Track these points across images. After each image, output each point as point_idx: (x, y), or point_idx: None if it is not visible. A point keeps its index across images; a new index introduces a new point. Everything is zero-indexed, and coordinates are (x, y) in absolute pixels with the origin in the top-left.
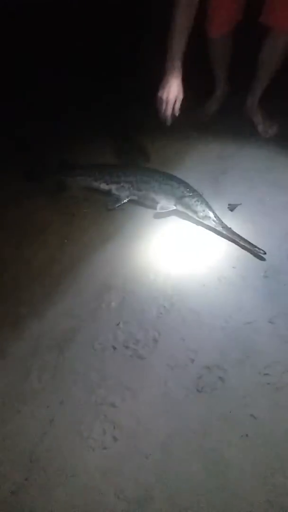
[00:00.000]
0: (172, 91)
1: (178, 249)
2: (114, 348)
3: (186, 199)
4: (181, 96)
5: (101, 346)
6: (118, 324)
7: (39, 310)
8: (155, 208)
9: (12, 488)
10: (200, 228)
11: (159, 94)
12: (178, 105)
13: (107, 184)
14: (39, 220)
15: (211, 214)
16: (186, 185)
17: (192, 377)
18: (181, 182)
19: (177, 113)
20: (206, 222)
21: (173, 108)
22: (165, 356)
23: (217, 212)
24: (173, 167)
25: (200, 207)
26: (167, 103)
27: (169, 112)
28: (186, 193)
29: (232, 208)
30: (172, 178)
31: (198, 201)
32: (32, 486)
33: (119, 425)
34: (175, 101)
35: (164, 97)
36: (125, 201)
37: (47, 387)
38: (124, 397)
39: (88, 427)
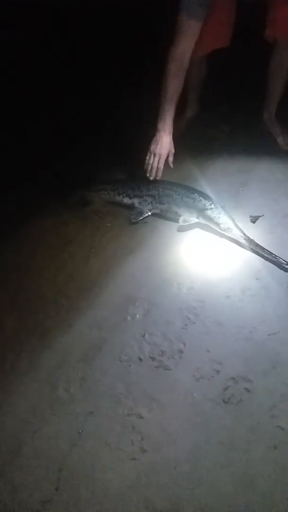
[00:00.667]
0: (165, 147)
1: (201, 261)
2: (140, 359)
3: (208, 212)
4: (173, 151)
5: (127, 357)
6: (143, 336)
7: (65, 323)
8: (178, 221)
9: (42, 498)
10: (222, 240)
11: (152, 148)
12: (171, 159)
13: (130, 198)
14: (63, 234)
15: (233, 226)
16: (208, 198)
17: (218, 389)
18: (202, 194)
19: (171, 165)
20: (228, 234)
21: (165, 162)
22: (190, 367)
23: (239, 224)
24: (194, 181)
25: (222, 219)
26: (159, 157)
27: (159, 165)
28: (208, 205)
29: (254, 219)
30: (194, 191)
31: (220, 213)
32: (63, 497)
33: (147, 436)
34: (168, 155)
35: (157, 151)
36: (147, 214)
37: (75, 398)
38: (151, 408)
39: (116, 438)
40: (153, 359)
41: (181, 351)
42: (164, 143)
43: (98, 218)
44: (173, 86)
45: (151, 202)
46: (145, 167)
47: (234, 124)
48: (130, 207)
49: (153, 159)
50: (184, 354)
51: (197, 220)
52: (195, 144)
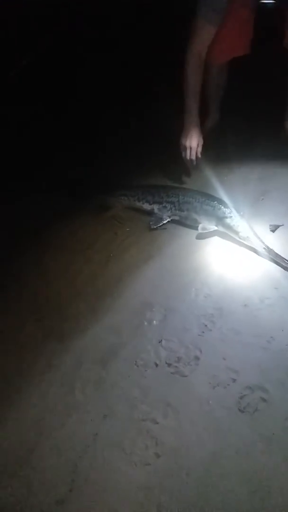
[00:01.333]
0: (194, 139)
1: (219, 269)
2: (156, 365)
3: (228, 220)
4: (201, 142)
5: (143, 362)
6: (160, 341)
7: (83, 326)
8: (197, 229)
9: (57, 498)
10: (241, 248)
11: (182, 142)
12: (200, 150)
13: (150, 204)
14: (83, 238)
15: (252, 235)
16: (228, 206)
17: (234, 397)
18: (222, 202)
19: (200, 155)
20: (247, 242)
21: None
22: (206, 374)
23: (258, 233)
24: (214, 188)
25: (241, 228)
26: (190, 149)
27: (193, 156)
28: (227, 214)
29: (273, 229)
30: (213, 198)
31: (239, 221)
32: (77, 498)
33: (161, 442)
34: (197, 146)
35: (188, 144)
36: (167, 221)
37: (91, 401)
38: (166, 413)
39: (131, 442)
40: (169, 365)
41: (197, 358)
42: (193, 136)
43: (117, 224)
44: (194, 82)
45: (171, 209)
46: (184, 161)
47: (254, 132)
48: (150, 213)
49: (188, 153)
50: (201, 361)
51: (216, 228)
52: (215, 152)
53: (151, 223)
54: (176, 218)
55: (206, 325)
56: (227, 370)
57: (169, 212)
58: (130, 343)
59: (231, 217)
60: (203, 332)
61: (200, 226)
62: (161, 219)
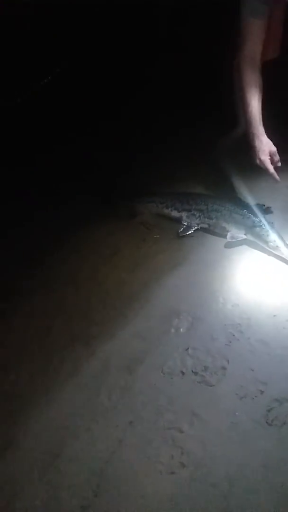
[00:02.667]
0: (265, 147)
1: (247, 278)
2: (183, 373)
3: (257, 229)
4: (273, 149)
5: (169, 370)
6: (186, 350)
7: (110, 331)
8: (225, 237)
9: (82, 503)
10: (270, 258)
11: (258, 157)
12: (277, 158)
13: (178, 211)
14: (111, 244)
15: (282, 245)
16: (257, 215)
17: (261, 409)
18: (252, 211)
19: (279, 164)
20: (277, 252)
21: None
22: (233, 385)
23: None
24: (243, 197)
25: (271, 237)
26: (267, 159)
27: (273, 170)
28: (257, 222)
29: None
30: (243, 207)
31: (269, 231)
32: (101, 504)
33: (187, 451)
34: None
35: (263, 158)
36: (195, 228)
37: (116, 407)
38: (192, 423)
39: (156, 450)
40: (195, 373)
41: (224, 368)
42: (264, 145)
43: (145, 230)
44: (251, 88)
45: (200, 217)
46: (268, 174)
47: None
48: (178, 220)
49: (267, 165)
50: (228, 371)
51: (245, 236)
52: (244, 160)
53: (179, 230)
54: (205, 226)
55: (233, 335)
56: (255, 381)
57: (198, 219)
58: (156, 350)
59: (260, 226)
60: (230, 341)
61: (228, 234)
62: (190, 226)
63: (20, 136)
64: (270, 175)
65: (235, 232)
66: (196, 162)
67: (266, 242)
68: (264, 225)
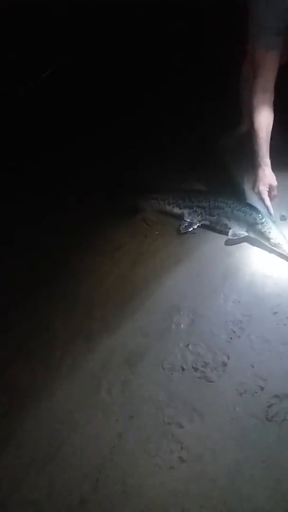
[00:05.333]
0: (268, 180)
1: (248, 275)
2: (183, 369)
3: (259, 226)
4: (274, 183)
5: (170, 366)
6: (187, 345)
7: (111, 327)
8: (227, 234)
9: (81, 497)
10: (272, 255)
11: (257, 187)
12: (274, 193)
13: (180, 208)
14: (113, 240)
15: (284, 242)
16: (259, 212)
17: (261, 405)
18: (254, 208)
19: (275, 199)
20: (278, 249)
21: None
22: (234, 381)
23: None
24: (246, 194)
25: (272, 234)
26: (267, 194)
27: (267, 198)
28: (258, 220)
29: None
30: (245, 204)
31: (271, 228)
32: (100, 498)
33: (186, 446)
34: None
35: (261, 189)
36: (197, 225)
37: (116, 402)
38: (191, 418)
39: (156, 445)
40: (196, 369)
41: (224, 364)
42: (266, 177)
43: (147, 226)
44: (261, 119)
45: (201, 213)
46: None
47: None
48: (180, 217)
49: (264, 196)
50: (228, 367)
51: (246, 234)
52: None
53: (181, 227)
54: (207, 223)
55: (234, 331)
56: (255, 377)
57: (200, 216)
58: (157, 346)
59: (262, 223)
60: (231, 338)
61: (230, 231)
62: (191, 223)
63: (28, 133)
64: (264, 206)
65: (237, 229)
66: (200, 162)
67: (268, 239)
68: (266, 222)
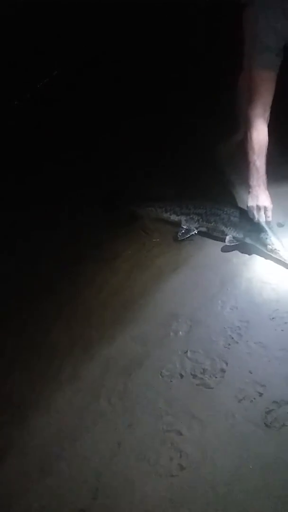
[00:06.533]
0: (262, 202)
1: (246, 282)
2: (182, 376)
3: (255, 233)
4: (271, 206)
5: (168, 373)
6: (185, 353)
7: (109, 335)
8: (224, 240)
9: (80, 506)
10: (269, 261)
11: (251, 204)
12: (269, 213)
13: (177, 215)
14: (110, 248)
15: (281, 248)
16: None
17: (260, 412)
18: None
19: (270, 219)
20: (275, 255)
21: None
22: (232, 387)
23: (287, 246)
24: (243, 201)
25: (269, 241)
26: (260, 210)
27: (263, 218)
28: (255, 226)
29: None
30: (241, 211)
31: (267, 234)
32: (100, 506)
33: (186, 454)
34: (267, 209)
35: (255, 205)
36: (194, 232)
37: (115, 410)
38: (190, 425)
39: (155, 453)
40: (194, 376)
41: (223, 371)
42: (261, 198)
43: (145, 234)
44: (259, 139)
45: (198, 220)
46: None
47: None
48: (177, 224)
49: (260, 216)
50: (226, 374)
51: (243, 240)
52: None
53: (178, 234)
54: (204, 229)
55: (232, 338)
56: (254, 383)
57: (197, 223)
58: (155, 354)
59: (259, 229)
60: (229, 344)
61: (227, 238)
62: (189, 230)
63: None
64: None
65: (234, 236)
66: (198, 169)
67: (265, 246)
68: (263, 229)
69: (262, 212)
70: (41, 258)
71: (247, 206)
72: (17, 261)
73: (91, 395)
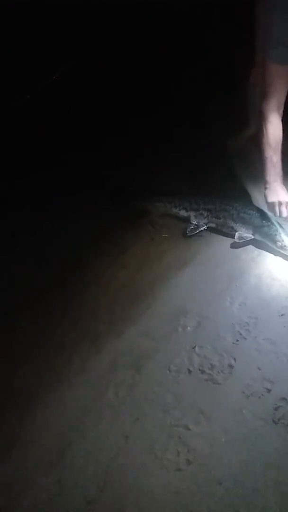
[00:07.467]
0: (283, 197)
1: (255, 278)
2: (190, 371)
3: (265, 229)
4: (287, 200)
5: (176, 368)
6: (193, 348)
7: (118, 329)
8: (233, 236)
9: (88, 498)
10: (278, 258)
11: (272, 200)
12: (285, 208)
13: (186, 211)
14: (119, 243)
15: None
16: (265, 215)
17: (268, 408)
18: (260, 211)
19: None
20: (284, 252)
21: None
22: (240, 383)
23: None
24: (253, 197)
25: (279, 237)
26: (282, 206)
27: (285, 214)
28: (265, 222)
29: None
30: (251, 207)
31: (277, 230)
32: (107, 499)
33: (193, 448)
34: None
35: (276, 201)
36: (203, 228)
37: (123, 404)
38: (198, 420)
39: (162, 447)
40: (202, 372)
41: (231, 366)
42: (281, 194)
43: (154, 230)
44: (275, 134)
45: (207, 216)
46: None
47: None
48: (186, 220)
49: (282, 210)
50: (234, 370)
51: (253, 236)
52: (252, 162)
53: (187, 230)
54: (213, 225)
55: (241, 334)
56: (262, 380)
57: (206, 219)
58: (163, 349)
59: (268, 225)
60: (237, 340)
61: (236, 234)
62: (198, 226)
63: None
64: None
65: (243, 232)
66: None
67: (274, 242)
68: (273, 225)
69: (284, 208)
70: (50, 253)
71: (267, 202)
72: (25, 256)
73: (99, 389)
